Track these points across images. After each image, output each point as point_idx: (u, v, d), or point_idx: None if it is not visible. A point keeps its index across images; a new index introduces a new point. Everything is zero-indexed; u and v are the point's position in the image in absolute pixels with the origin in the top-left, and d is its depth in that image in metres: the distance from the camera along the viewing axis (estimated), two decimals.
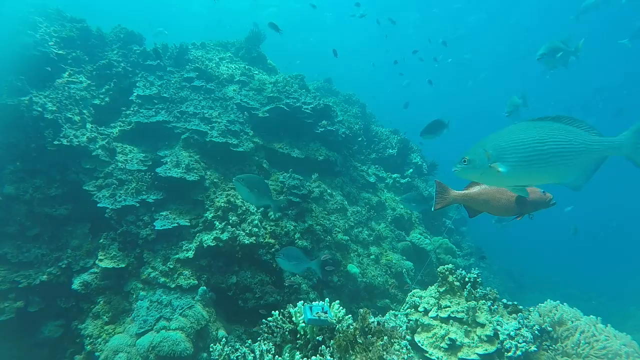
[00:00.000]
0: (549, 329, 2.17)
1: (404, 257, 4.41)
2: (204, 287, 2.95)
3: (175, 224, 3.17)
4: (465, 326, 2.32)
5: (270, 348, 1.69)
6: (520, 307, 2.42)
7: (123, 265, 2.99)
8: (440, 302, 2.48)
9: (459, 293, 2.48)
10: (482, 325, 2.30)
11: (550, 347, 2.12)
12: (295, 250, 2.71)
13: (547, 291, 8.46)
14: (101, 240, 3.10)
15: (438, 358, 2.21)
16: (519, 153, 1.35)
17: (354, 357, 1.52)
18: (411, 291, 2.68)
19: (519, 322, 2.22)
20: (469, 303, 2.39)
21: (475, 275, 2.49)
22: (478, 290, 2.47)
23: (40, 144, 3.20)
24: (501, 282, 7.81)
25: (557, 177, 1.42)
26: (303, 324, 1.72)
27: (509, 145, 1.36)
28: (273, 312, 1.84)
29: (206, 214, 3.30)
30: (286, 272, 3.21)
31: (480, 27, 19.40)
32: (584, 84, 18.98)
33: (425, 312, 2.48)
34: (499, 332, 2.23)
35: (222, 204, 3.32)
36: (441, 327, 2.36)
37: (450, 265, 2.60)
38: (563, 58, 3.17)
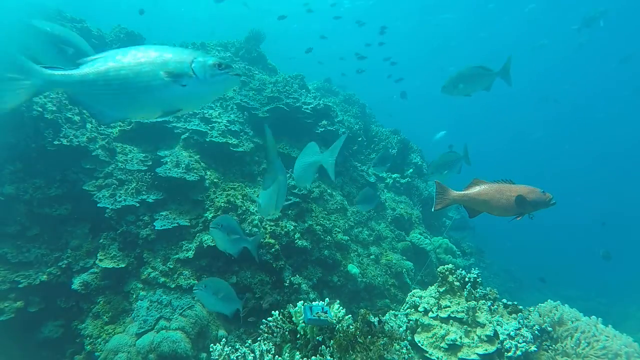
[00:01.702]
0: (549, 329, 2.17)
1: (404, 257, 4.41)
2: None
3: (175, 224, 3.16)
4: (465, 326, 2.32)
5: (270, 348, 1.70)
6: (520, 307, 2.42)
7: (123, 265, 2.99)
8: (440, 302, 2.48)
9: (459, 293, 2.48)
10: (482, 325, 2.30)
11: (550, 347, 2.12)
12: (234, 222, 2.34)
13: (547, 291, 8.46)
14: (101, 240, 3.09)
15: (438, 358, 2.21)
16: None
17: (354, 357, 1.52)
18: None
19: (519, 322, 2.22)
20: (469, 303, 2.39)
21: (475, 275, 2.49)
22: (478, 290, 2.47)
23: (40, 144, 3.20)
24: (501, 282, 7.82)
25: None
26: (303, 324, 1.72)
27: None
28: (273, 312, 1.84)
29: (206, 214, 3.30)
30: (286, 274, 3.21)
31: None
32: (610, 55, 18.43)
33: (425, 312, 2.48)
34: (499, 332, 2.23)
35: (222, 204, 3.32)
36: (441, 327, 2.36)
37: (450, 265, 2.60)
38: (479, 84, 3.01)
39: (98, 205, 3.11)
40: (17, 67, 1.27)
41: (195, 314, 2.70)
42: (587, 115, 25.97)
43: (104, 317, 2.81)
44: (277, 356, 1.66)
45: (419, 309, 2.52)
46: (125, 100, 1.29)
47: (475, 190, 1.82)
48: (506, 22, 18.84)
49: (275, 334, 1.76)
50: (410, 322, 2.49)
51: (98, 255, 3.02)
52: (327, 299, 1.82)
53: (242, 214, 3.37)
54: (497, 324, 2.27)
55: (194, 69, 1.29)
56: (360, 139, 5.73)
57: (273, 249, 3.23)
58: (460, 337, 2.26)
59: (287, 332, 1.75)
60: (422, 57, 22.47)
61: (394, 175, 5.62)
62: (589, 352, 2.01)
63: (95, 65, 1.28)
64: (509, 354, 2.12)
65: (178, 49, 1.35)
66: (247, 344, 1.81)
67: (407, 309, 2.64)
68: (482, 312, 2.37)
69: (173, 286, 2.93)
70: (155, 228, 3.10)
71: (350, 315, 1.79)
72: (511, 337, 2.16)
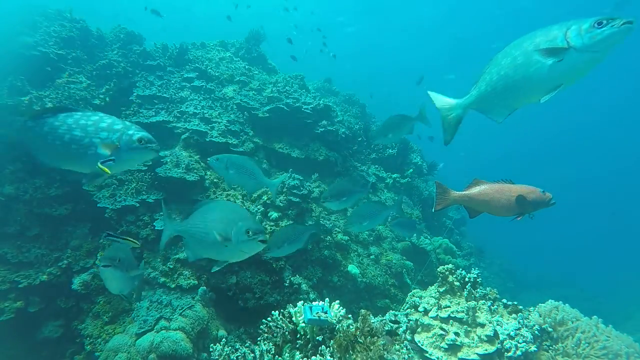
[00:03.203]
0: (549, 329, 2.17)
1: (404, 257, 4.41)
2: (204, 287, 2.95)
3: None
4: (465, 326, 2.32)
5: (270, 348, 1.69)
6: (520, 307, 2.42)
7: None
8: (440, 302, 2.48)
9: (459, 293, 2.48)
10: (482, 325, 2.30)
11: (551, 347, 2.12)
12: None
13: (547, 291, 8.46)
14: (101, 240, 3.09)
15: (438, 358, 2.21)
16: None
17: (354, 357, 1.52)
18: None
19: (519, 322, 2.22)
20: (469, 303, 2.39)
21: (475, 276, 2.49)
22: (478, 290, 2.47)
23: None
24: (501, 282, 7.82)
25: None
26: (303, 324, 1.72)
27: None
28: (273, 312, 1.84)
29: None
30: (286, 274, 3.19)
31: None
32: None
33: (426, 312, 2.48)
34: (499, 332, 2.23)
35: None
36: (441, 327, 2.36)
37: (450, 266, 2.60)
38: (403, 130, 3.36)
39: (98, 205, 3.11)
40: (451, 106, 1.64)
41: (195, 314, 2.70)
42: (594, 110, 25.82)
43: (104, 317, 2.81)
44: (277, 356, 1.66)
45: (419, 309, 2.52)
46: (511, 94, 1.41)
47: (475, 190, 1.82)
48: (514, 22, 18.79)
49: (275, 334, 1.76)
50: (411, 322, 2.49)
51: (98, 255, 3.02)
52: (327, 299, 1.82)
53: None
54: (497, 324, 2.27)
55: (570, 39, 1.17)
56: (360, 139, 5.73)
57: None
58: (460, 337, 2.26)
59: (287, 332, 1.75)
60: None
61: (394, 175, 5.62)
62: (590, 352, 2.01)
63: (483, 79, 1.47)
64: (509, 354, 2.12)
65: (545, 29, 1.27)
66: (247, 344, 1.82)
67: (407, 309, 2.64)
68: (482, 312, 2.37)
69: (173, 286, 2.93)
70: (155, 228, 3.10)
71: (350, 315, 1.79)
72: (511, 337, 2.16)
